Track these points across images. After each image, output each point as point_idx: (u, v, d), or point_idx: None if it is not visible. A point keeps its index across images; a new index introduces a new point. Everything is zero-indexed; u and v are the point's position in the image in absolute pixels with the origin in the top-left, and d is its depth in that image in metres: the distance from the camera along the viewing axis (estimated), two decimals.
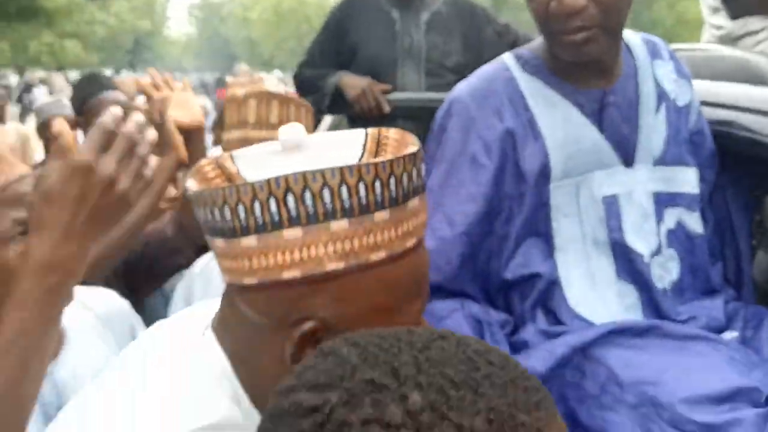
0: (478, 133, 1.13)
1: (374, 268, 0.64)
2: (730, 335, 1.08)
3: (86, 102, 2.24)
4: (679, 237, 1.17)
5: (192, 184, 0.67)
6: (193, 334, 0.72)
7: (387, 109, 1.99)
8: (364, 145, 0.70)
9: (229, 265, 0.66)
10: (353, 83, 2.06)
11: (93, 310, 1.12)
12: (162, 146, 1.18)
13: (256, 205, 0.61)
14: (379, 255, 0.64)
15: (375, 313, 0.65)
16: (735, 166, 1.28)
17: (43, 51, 27.31)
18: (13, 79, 10.32)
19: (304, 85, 2.29)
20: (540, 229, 1.13)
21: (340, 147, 0.69)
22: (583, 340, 1.02)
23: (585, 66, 1.12)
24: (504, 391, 0.40)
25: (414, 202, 0.66)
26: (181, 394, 0.66)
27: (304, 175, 0.60)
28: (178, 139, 1.18)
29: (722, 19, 1.81)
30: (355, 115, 2.05)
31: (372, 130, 0.71)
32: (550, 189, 1.12)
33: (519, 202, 1.12)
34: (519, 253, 1.12)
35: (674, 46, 1.53)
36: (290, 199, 0.61)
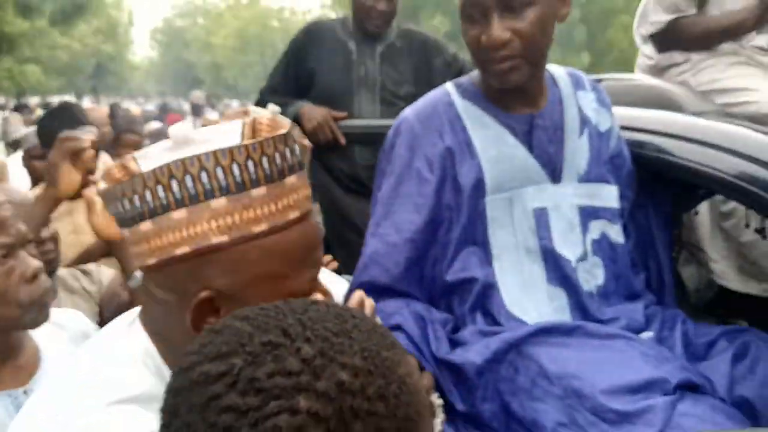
0: (423, 150, 1.27)
1: (258, 239, 0.74)
2: (646, 335, 1.21)
3: (56, 135, 2.28)
4: (603, 246, 1.30)
5: (101, 185, 0.76)
6: (123, 324, 0.82)
7: (342, 141, 2.12)
8: (242, 133, 0.79)
9: (135, 250, 0.75)
10: (310, 115, 2.16)
11: (66, 330, 1.21)
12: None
13: (147, 193, 0.72)
14: (261, 227, 0.73)
15: (265, 280, 0.74)
16: (655, 186, 1.43)
17: (2, 77, 26.86)
18: None
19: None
20: (478, 238, 1.25)
21: (221, 136, 0.77)
22: (516, 336, 1.14)
23: (513, 92, 1.26)
24: (369, 336, 0.52)
25: (291, 179, 0.76)
26: (103, 373, 0.74)
27: (183, 161, 0.70)
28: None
29: (651, 50, 1.98)
30: (313, 144, 2.18)
31: (248, 119, 0.81)
32: (486, 202, 1.25)
33: (458, 212, 1.25)
34: (459, 259, 1.24)
35: (605, 75, 1.70)
36: (174, 183, 0.71)
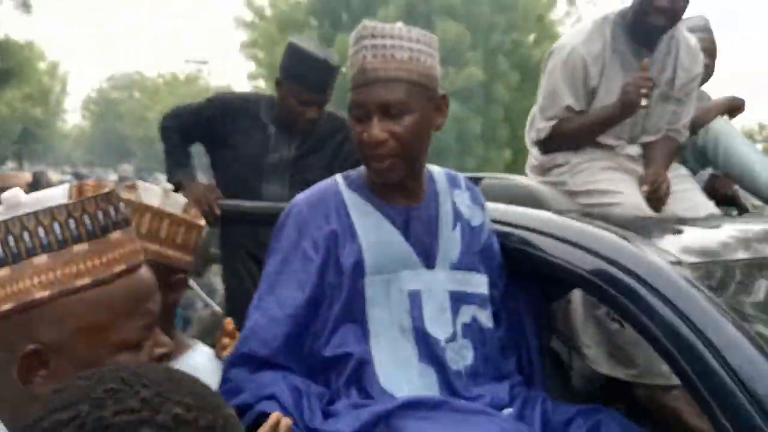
0: (309, 232, 1.37)
1: (80, 292, 0.79)
2: (507, 412, 1.31)
3: None
4: (473, 330, 1.41)
5: None
6: None
7: (218, 212, 2.11)
8: (69, 194, 0.85)
9: None
10: (192, 190, 2.15)
11: None
12: None
13: None
14: (84, 281, 0.79)
15: (91, 331, 0.80)
16: (524, 277, 1.57)
17: None
18: None
19: (165, 141, 2.37)
20: (357, 316, 1.34)
21: (49, 200, 0.82)
22: (384, 409, 1.20)
23: (393, 187, 1.39)
24: (195, 383, 0.61)
25: (116, 235, 0.83)
26: None
27: (5, 222, 0.77)
28: None
29: (537, 152, 2.20)
30: None
31: (75, 183, 0.87)
32: (365, 282, 1.34)
33: (339, 291, 1.33)
34: (337, 335, 1.32)
35: (486, 174, 1.87)
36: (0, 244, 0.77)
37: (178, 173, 2.30)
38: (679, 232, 1.53)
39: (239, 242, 2.32)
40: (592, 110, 2.05)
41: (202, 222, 1.39)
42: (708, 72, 2.37)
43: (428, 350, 1.35)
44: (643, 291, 1.19)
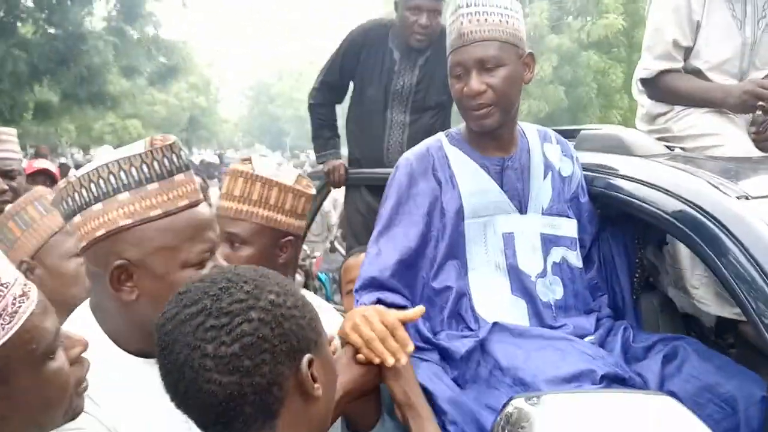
0: (418, 181, 1.58)
1: (154, 221, 1.04)
2: (589, 339, 1.47)
3: None
4: (563, 268, 1.58)
5: (54, 190, 1.10)
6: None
7: (343, 183, 2.69)
8: (144, 145, 1.07)
9: (78, 235, 1.06)
10: (330, 164, 2.68)
11: None
12: None
13: (76, 195, 1.04)
14: (156, 212, 1.04)
15: (162, 251, 1.05)
16: (616, 221, 1.69)
17: (106, 131, 29.32)
18: (79, 157, 11.31)
19: (312, 120, 2.84)
20: (457, 254, 1.54)
21: (130, 151, 1.06)
22: (480, 338, 1.43)
23: (489, 139, 1.57)
24: (278, 277, 0.89)
25: (180, 177, 1.07)
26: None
27: (97, 169, 1.02)
28: None
29: (644, 99, 2.23)
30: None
31: (148, 138, 1.08)
32: (464, 225, 1.55)
33: (443, 232, 1.55)
34: (442, 270, 1.53)
35: (583, 126, 1.97)
36: (92, 185, 1.03)
37: (321, 157, 2.73)
38: (757, 170, 1.56)
39: (356, 206, 2.67)
40: (703, 63, 2.06)
41: (311, 191, 1.63)
42: None
43: (520, 284, 1.54)
44: (709, 225, 1.29)
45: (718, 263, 1.24)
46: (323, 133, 2.82)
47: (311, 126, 2.90)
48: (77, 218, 1.06)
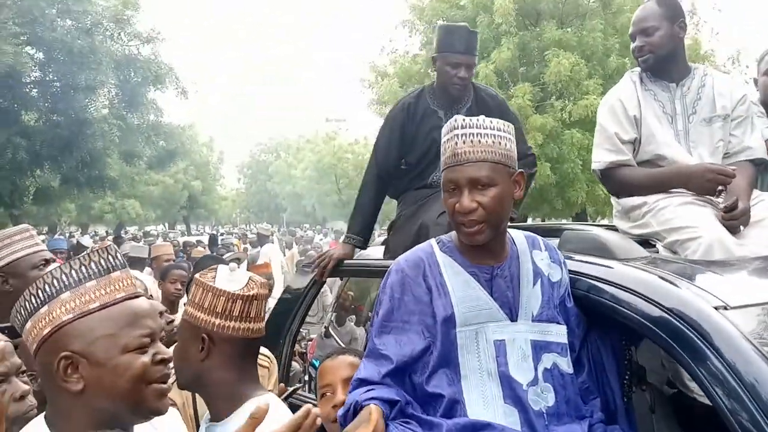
0: (410, 288, 1.63)
1: (93, 313, 1.17)
2: None
3: None
4: (554, 375, 1.59)
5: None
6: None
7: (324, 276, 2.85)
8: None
9: (29, 341, 1.18)
10: (327, 253, 2.88)
11: None
12: None
13: (26, 304, 1.19)
14: (95, 305, 1.17)
15: (103, 339, 1.16)
16: (603, 323, 1.72)
17: (105, 210, 29.64)
18: (87, 240, 11.42)
19: (357, 198, 2.95)
20: (450, 361, 1.57)
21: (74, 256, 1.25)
22: (479, 422, 1.46)
23: (479, 249, 1.63)
24: None
25: (116, 274, 1.21)
26: None
27: (42, 278, 1.18)
28: None
29: (616, 199, 2.36)
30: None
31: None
32: (456, 333, 1.58)
33: (434, 339, 1.58)
34: (434, 377, 1.56)
35: (565, 224, 2.04)
36: (39, 292, 1.18)
37: (346, 237, 2.89)
38: (734, 276, 1.62)
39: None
40: (647, 143, 2.28)
41: (255, 292, 1.58)
42: None
43: (512, 392, 1.55)
44: (689, 335, 1.33)
45: (696, 370, 1.27)
46: (359, 219, 2.93)
47: (357, 202, 2.98)
48: (28, 324, 1.19)
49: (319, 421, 1.22)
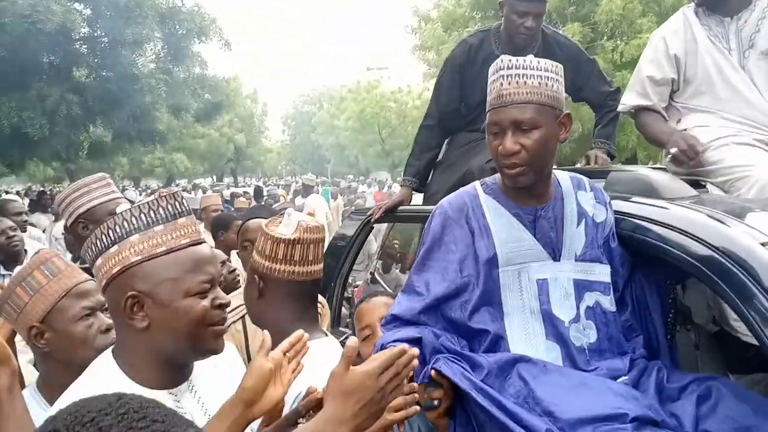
0: (452, 229, 1.68)
1: (159, 257, 1.23)
2: (622, 379, 1.52)
3: None
4: (596, 312, 1.63)
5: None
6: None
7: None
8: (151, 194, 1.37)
9: (99, 276, 1.26)
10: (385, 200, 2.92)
11: None
12: None
13: (97, 241, 1.25)
14: (161, 249, 1.24)
15: (167, 282, 1.23)
16: (647, 263, 1.73)
17: (155, 164, 30.38)
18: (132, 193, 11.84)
19: (413, 145, 3.02)
20: (493, 300, 1.61)
21: (139, 199, 1.35)
22: (520, 356, 1.51)
23: (522, 190, 1.65)
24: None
25: (182, 220, 1.27)
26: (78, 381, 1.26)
27: (113, 218, 1.24)
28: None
29: None
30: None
31: (157, 191, 1.33)
32: (499, 273, 1.62)
33: (477, 279, 1.62)
34: (477, 314, 1.61)
35: (613, 167, 2.03)
36: (109, 231, 1.24)
37: (403, 180, 2.95)
38: None
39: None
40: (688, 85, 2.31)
41: (297, 236, 1.63)
42: None
43: (554, 329, 1.60)
44: (735, 272, 1.33)
45: (743, 308, 1.29)
46: (416, 162, 2.98)
47: (414, 145, 3.02)
48: (99, 261, 1.27)
49: (415, 362, 1.18)
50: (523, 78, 1.58)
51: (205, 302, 1.26)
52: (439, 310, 1.63)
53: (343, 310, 4.44)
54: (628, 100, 2.39)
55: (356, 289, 5.90)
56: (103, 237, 1.26)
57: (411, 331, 1.56)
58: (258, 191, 12.59)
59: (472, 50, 2.81)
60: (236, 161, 36.72)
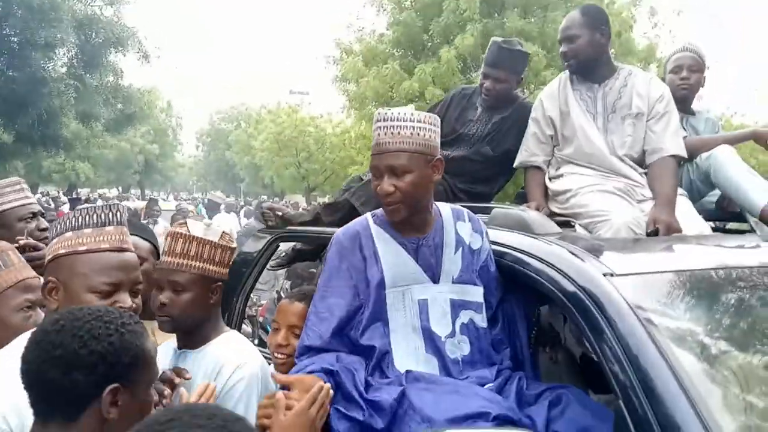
0: (347, 257, 1.88)
1: (80, 254, 1.48)
2: (488, 386, 1.75)
3: None
4: (470, 328, 1.87)
5: None
6: None
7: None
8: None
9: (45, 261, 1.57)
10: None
11: None
12: None
13: (49, 232, 1.61)
14: (83, 248, 1.49)
15: (79, 276, 1.46)
16: (518, 287, 2.00)
17: (54, 170, 28.89)
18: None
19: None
20: (381, 318, 1.83)
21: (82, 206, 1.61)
22: (404, 385, 1.70)
23: (405, 223, 1.88)
24: None
25: (110, 228, 1.53)
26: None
27: (67, 215, 1.50)
28: None
29: (548, 184, 2.68)
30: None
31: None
32: (386, 294, 1.84)
33: (368, 300, 1.83)
34: (367, 332, 1.81)
35: (494, 205, 2.31)
36: (57, 225, 1.54)
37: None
38: (625, 249, 1.92)
39: None
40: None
41: (233, 245, 1.99)
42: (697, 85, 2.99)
43: (432, 344, 1.82)
44: (579, 296, 1.61)
45: (585, 326, 1.56)
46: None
47: None
48: (45, 249, 1.57)
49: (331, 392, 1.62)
50: (397, 129, 1.81)
51: (104, 302, 1.44)
52: (344, 332, 1.82)
53: (246, 327, 4.51)
54: (520, 157, 2.76)
55: (260, 308, 5.96)
56: (53, 229, 1.54)
57: (324, 362, 1.73)
58: (151, 202, 11.84)
59: (462, 93, 3.14)
60: (145, 174, 35.55)
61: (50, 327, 1.17)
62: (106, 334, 1.16)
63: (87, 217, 1.50)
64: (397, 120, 1.82)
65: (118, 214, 1.54)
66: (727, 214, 2.71)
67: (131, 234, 1.69)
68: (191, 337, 1.92)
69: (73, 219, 1.51)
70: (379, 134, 1.84)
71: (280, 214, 2.96)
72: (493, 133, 2.94)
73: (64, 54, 11.45)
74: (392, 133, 1.81)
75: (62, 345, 1.14)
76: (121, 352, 1.17)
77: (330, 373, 1.71)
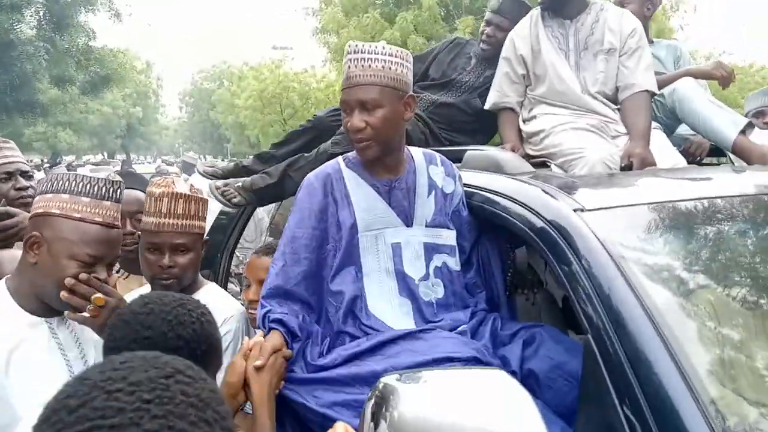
0: (318, 199, 1.82)
1: (72, 220, 1.51)
2: (462, 328, 1.73)
3: None
4: (443, 272, 1.84)
5: None
6: None
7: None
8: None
9: (32, 208, 1.60)
10: None
11: None
12: None
13: (45, 182, 1.59)
14: (76, 215, 1.52)
15: (64, 241, 1.51)
16: (493, 230, 1.97)
17: (35, 138, 28.43)
18: None
19: None
20: (353, 262, 1.79)
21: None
22: (364, 347, 1.65)
23: (377, 164, 1.83)
24: None
25: (107, 203, 1.57)
26: None
27: (66, 172, 1.48)
28: None
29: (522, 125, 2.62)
30: None
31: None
32: (358, 237, 1.80)
33: (340, 243, 1.80)
34: (339, 276, 1.78)
35: (468, 147, 2.26)
36: (55, 180, 1.57)
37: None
38: (596, 185, 1.88)
39: None
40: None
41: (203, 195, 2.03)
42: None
43: (406, 286, 1.80)
44: (549, 232, 1.57)
45: (554, 262, 1.53)
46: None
47: None
48: (37, 196, 1.58)
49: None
50: (368, 62, 1.75)
51: (79, 270, 1.51)
52: (314, 276, 1.78)
53: (233, 286, 4.50)
54: (491, 98, 2.67)
55: (245, 265, 5.91)
56: (49, 182, 1.56)
57: (291, 320, 1.70)
58: (124, 166, 11.93)
59: (458, 41, 3.09)
60: (128, 138, 35.07)
61: (139, 309, 1.28)
62: (190, 321, 1.28)
63: (88, 186, 1.54)
64: (369, 53, 1.76)
65: (118, 191, 1.59)
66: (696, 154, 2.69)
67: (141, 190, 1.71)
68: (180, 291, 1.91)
69: (73, 182, 1.54)
70: (349, 67, 1.77)
71: (239, 185, 2.72)
72: (484, 87, 2.87)
73: (32, 15, 11.08)
74: (363, 66, 1.75)
75: (152, 327, 1.24)
76: (201, 339, 1.29)
77: (293, 336, 1.68)
